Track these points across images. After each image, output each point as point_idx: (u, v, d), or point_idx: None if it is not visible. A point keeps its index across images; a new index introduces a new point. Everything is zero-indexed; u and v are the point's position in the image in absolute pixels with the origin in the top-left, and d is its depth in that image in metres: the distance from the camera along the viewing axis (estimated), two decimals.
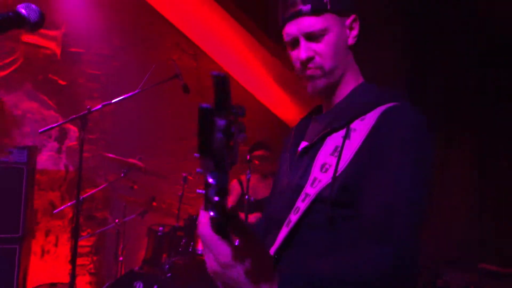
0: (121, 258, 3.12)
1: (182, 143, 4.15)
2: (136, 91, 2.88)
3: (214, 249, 0.69)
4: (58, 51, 3.78)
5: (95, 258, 3.81)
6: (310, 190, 1.00)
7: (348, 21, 1.08)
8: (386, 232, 0.88)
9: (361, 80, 1.13)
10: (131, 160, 3.13)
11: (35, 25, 0.99)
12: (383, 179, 0.92)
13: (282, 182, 1.16)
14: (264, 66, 3.96)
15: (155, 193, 3.36)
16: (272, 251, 1.03)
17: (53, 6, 3.75)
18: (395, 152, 0.94)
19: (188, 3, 3.81)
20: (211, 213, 0.64)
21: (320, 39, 1.05)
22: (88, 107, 2.87)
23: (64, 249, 3.71)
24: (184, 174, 3.25)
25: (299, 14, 1.03)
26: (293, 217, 1.01)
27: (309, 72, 1.07)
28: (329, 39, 1.05)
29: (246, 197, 2.97)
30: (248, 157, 3.10)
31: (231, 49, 4.10)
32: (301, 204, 1.00)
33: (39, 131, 3.50)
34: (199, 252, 2.83)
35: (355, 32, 1.09)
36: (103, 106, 2.90)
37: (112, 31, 4.06)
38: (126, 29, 4.10)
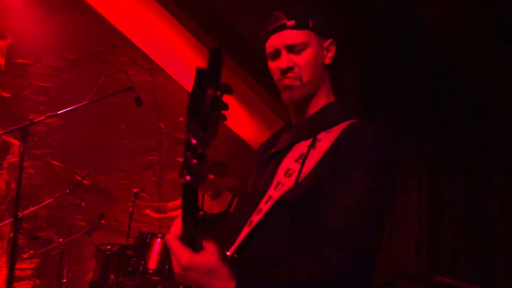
0: (64, 280, 2.91)
1: (135, 159, 4.01)
2: (84, 103, 2.76)
3: (176, 254, 0.83)
4: (2, 62, 3.59)
5: (37, 281, 3.54)
6: (273, 193, 1.05)
7: (326, 43, 1.20)
8: (343, 239, 0.94)
9: (332, 99, 1.22)
10: (79, 174, 2.97)
11: None
12: (342, 188, 0.99)
13: (251, 185, 1.23)
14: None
15: (104, 211, 3.19)
16: (231, 250, 1.06)
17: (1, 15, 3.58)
18: (353, 163, 1.02)
19: (143, 17, 3.75)
20: (187, 177, 0.67)
21: (300, 52, 1.14)
22: (30, 118, 2.72)
23: (3, 273, 3.42)
24: (135, 190, 3.12)
25: (283, 27, 1.14)
26: (255, 218, 1.05)
27: (287, 81, 1.15)
28: (308, 53, 1.15)
29: (201, 212, 2.87)
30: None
31: (188, 65, 4.05)
32: (264, 206, 1.05)
33: None
34: (150, 272, 2.69)
35: (331, 54, 1.20)
36: (47, 117, 2.76)
37: (64, 44, 3.92)
38: (78, 42, 3.97)
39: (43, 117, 2.75)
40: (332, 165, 1.01)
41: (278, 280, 0.90)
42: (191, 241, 0.81)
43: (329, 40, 1.20)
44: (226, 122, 4.18)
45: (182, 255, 0.81)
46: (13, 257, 2.65)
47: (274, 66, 1.18)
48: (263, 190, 1.09)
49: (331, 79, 1.23)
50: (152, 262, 2.70)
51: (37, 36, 3.76)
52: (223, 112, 0.69)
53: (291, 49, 1.14)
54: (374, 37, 3.44)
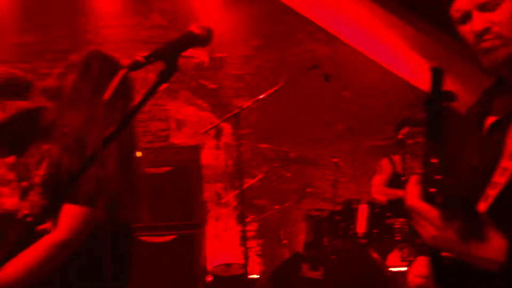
0: (285, 242, 3.36)
1: (328, 129, 4.24)
2: (280, 85, 3.05)
3: (428, 216, 0.83)
4: (206, 59, 4.21)
5: (260, 241, 4.18)
6: (508, 164, 0.98)
7: None
8: None
9: None
10: (282, 149, 3.34)
11: (206, 41, 1.13)
12: None
13: (468, 159, 1.13)
14: (405, 41, 3.78)
15: (306, 180, 3.52)
16: None
17: (199, 17, 4.18)
18: None
19: None
20: (432, 189, 0.76)
21: (495, 8, 1.01)
22: (239, 105, 3.15)
23: (233, 234, 4.15)
24: (335, 160, 3.33)
25: None
26: (492, 192, 1.00)
27: (486, 44, 1.02)
28: (506, 6, 1.00)
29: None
30: (399, 136, 3.03)
31: (366, 30, 4.00)
32: (499, 179, 0.99)
33: (201, 132, 3.96)
34: (360, 235, 2.89)
35: None
36: (253, 102, 3.16)
37: (246, 32, 4.33)
38: (260, 28, 4.33)
39: (249, 102, 3.16)
40: None
41: None
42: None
43: None
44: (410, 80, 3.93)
45: (435, 215, 0.81)
46: (243, 221, 3.19)
47: (466, 29, 1.06)
48: (492, 162, 1.01)
49: None
50: (361, 226, 2.89)
51: (227, 30, 4.26)
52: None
53: (483, 7, 1.02)
54: None
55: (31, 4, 4.18)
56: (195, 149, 3.70)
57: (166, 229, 3.26)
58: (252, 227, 4.14)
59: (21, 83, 1.49)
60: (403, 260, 2.95)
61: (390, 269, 2.86)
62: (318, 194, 3.87)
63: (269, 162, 3.58)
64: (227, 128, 4.27)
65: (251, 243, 4.17)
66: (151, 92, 0.97)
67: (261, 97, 3.08)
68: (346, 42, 4.36)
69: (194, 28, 1.07)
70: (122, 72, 0.98)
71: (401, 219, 2.88)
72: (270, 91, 3.01)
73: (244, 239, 3.17)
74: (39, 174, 1.56)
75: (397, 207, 2.98)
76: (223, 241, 4.17)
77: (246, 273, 3.03)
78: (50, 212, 1.57)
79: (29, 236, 1.57)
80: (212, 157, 4.24)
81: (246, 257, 3.13)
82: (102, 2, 4.18)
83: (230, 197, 3.58)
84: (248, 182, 3.43)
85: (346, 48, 4.34)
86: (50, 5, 4.25)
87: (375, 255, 2.81)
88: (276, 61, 4.20)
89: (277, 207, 3.40)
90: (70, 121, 1.54)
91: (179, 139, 4.23)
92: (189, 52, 4.50)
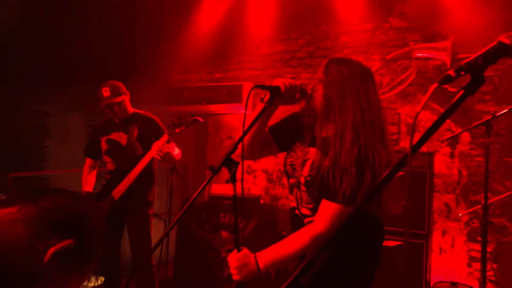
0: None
1: None
2: None
3: None
4: (447, 61, 3.96)
5: (494, 265, 3.74)
6: None
7: None
8: None
9: None
10: None
11: None
12: None
13: None
14: None
15: None
16: None
17: (441, 17, 3.97)
18: None
19: None
20: None
21: None
22: (492, 112, 2.87)
23: (461, 251, 3.84)
24: None
25: None
26: None
27: None
28: None
29: None
30: None
31: None
32: None
33: (443, 139, 3.80)
34: None
35: None
36: (510, 109, 2.83)
37: (499, 28, 3.85)
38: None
39: (505, 109, 2.84)
40: None
41: None
42: None
43: None
44: None
45: None
46: (484, 242, 2.92)
47: None
48: None
49: None
50: None
51: (471, 29, 3.88)
52: None
53: None
54: None
55: (284, 19, 4.78)
56: (428, 156, 3.58)
57: (395, 234, 3.27)
58: (488, 248, 3.72)
59: (301, 90, 1.78)
60: None
61: None
62: None
63: None
64: (465, 135, 3.93)
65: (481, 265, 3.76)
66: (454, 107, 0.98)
67: None
68: None
69: (503, 38, 1.07)
70: (433, 87, 1.00)
71: None
72: None
73: (484, 261, 2.92)
74: (303, 174, 1.82)
75: None
76: (449, 258, 3.90)
77: None
78: (314, 209, 1.82)
79: (299, 226, 1.87)
80: (444, 166, 4.00)
81: (483, 282, 2.88)
82: (344, 11, 4.42)
83: (464, 211, 3.30)
84: (492, 198, 3.10)
85: None
86: (298, 19, 4.77)
87: None
88: None
89: None
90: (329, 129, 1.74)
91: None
92: (430, 53, 4.34)
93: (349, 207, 1.59)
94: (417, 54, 4.14)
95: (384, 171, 1.42)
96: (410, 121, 4.23)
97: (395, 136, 4.24)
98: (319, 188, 1.69)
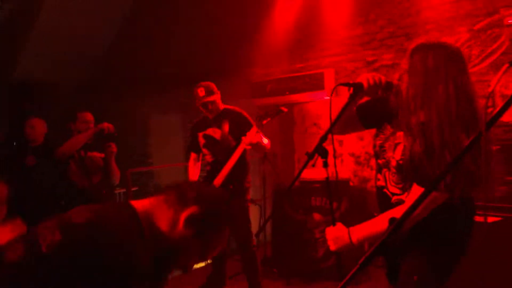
0: None
1: None
2: None
3: None
4: None
5: None
6: None
7: None
8: None
9: None
10: None
11: None
12: None
13: None
14: None
15: None
16: None
17: None
18: None
19: None
20: None
21: None
22: None
23: None
24: None
25: None
26: None
27: None
28: None
29: None
30: None
31: None
32: None
33: None
34: None
35: None
36: None
37: None
38: None
39: None
40: None
41: None
42: None
43: None
44: None
45: None
46: None
47: None
48: None
49: None
50: None
51: None
52: None
53: None
54: None
55: (361, 1, 4.77)
56: None
57: (490, 210, 3.17)
58: None
59: (387, 85, 1.85)
60: None
61: None
62: None
63: None
64: None
65: None
66: None
67: None
68: None
69: None
70: (505, 67, 1.04)
71: None
72: None
73: None
74: (395, 158, 1.89)
75: None
76: None
77: None
78: (403, 188, 1.90)
79: (386, 204, 1.97)
80: None
81: None
82: None
83: None
84: None
85: None
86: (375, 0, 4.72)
87: None
88: None
89: None
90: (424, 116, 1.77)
91: (508, 116, 3.92)
92: None
93: (441, 193, 1.62)
94: (509, 21, 3.88)
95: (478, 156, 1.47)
96: (506, 92, 3.99)
97: (490, 109, 4.04)
98: (411, 172, 1.73)
